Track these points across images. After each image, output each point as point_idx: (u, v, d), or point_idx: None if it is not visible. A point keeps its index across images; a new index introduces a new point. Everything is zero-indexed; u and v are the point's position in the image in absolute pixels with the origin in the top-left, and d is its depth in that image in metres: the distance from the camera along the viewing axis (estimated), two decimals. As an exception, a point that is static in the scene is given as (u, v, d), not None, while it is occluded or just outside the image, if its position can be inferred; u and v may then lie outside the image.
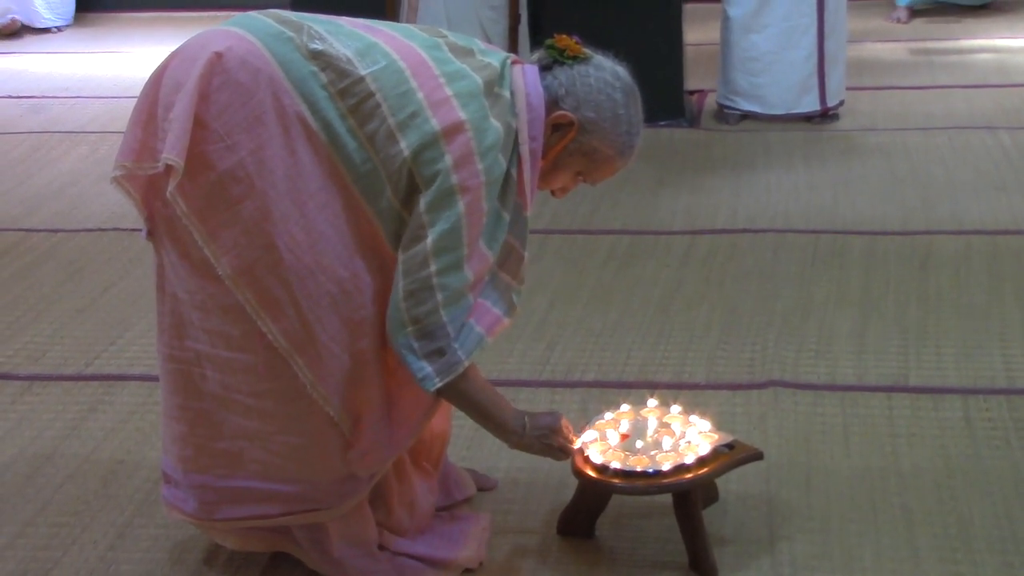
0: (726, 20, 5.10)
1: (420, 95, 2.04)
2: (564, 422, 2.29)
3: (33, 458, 2.81)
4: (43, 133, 5.37)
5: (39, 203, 4.52)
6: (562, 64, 2.15)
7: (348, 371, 2.12)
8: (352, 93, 2.04)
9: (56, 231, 4.21)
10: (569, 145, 2.15)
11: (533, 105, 2.11)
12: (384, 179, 2.05)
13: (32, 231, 4.23)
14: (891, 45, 6.51)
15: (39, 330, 3.47)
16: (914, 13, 7.02)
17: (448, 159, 2.02)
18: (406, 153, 2.02)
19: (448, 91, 2.05)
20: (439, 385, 2.09)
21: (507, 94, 2.10)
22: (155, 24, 7.68)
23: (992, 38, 6.54)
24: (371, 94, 2.04)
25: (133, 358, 3.28)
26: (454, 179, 2.02)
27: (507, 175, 2.10)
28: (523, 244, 2.20)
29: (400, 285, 2.06)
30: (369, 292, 2.11)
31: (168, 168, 2.00)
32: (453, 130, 2.02)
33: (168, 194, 2.02)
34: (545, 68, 2.16)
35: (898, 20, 6.97)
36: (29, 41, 7.34)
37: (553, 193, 2.27)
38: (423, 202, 2.03)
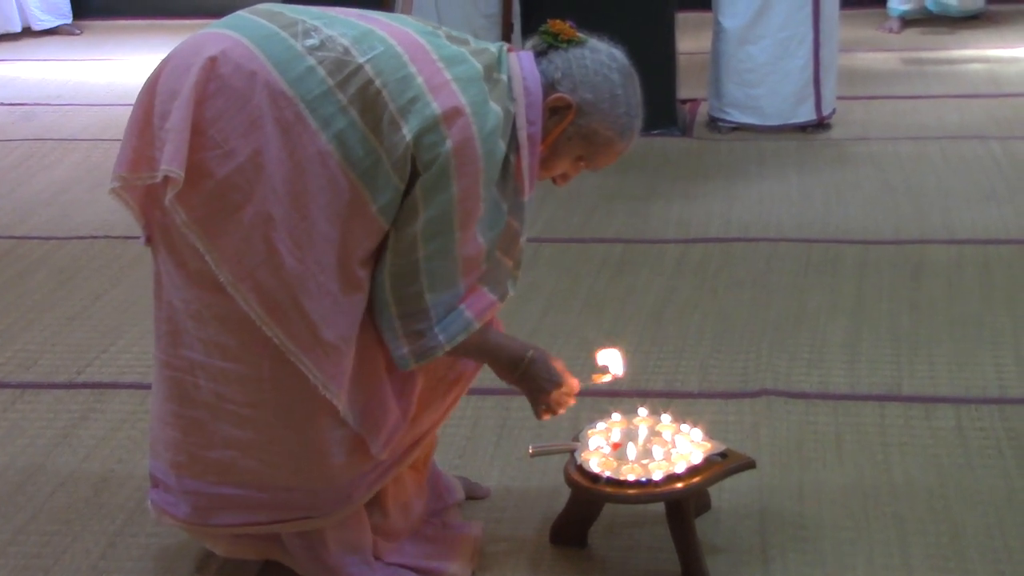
0: (719, 31, 5.09)
1: (420, 79, 2.02)
2: (563, 390, 2.27)
3: (24, 467, 2.80)
4: (35, 140, 5.36)
5: (31, 211, 4.52)
6: (557, 48, 2.15)
7: (355, 366, 2.11)
8: (352, 83, 2.02)
9: (48, 239, 4.21)
10: (568, 128, 2.14)
11: (530, 89, 2.11)
12: (389, 168, 2.03)
13: (24, 239, 4.22)
14: (883, 55, 6.52)
15: (30, 338, 3.46)
16: (906, 23, 7.04)
17: (449, 143, 2.00)
18: (408, 138, 2.00)
19: (447, 75, 2.04)
20: (413, 366, 2.11)
21: (505, 78, 2.09)
22: (148, 32, 7.68)
23: (984, 48, 6.56)
24: (371, 80, 2.02)
25: (125, 366, 3.28)
26: (453, 163, 2.01)
27: (505, 161, 2.09)
28: (521, 223, 2.19)
29: (387, 264, 2.06)
30: (372, 286, 2.10)
31: (166, 178, 1.99)
32: (453, 114, 2.01)
33: (167, 203, 2.01)
34: (540, 53, 2.16)
35: (890, 30, 6.99)
36: (21, 48, 7.33)
37: (555, 181, 2.26)
38: (419, 184, 2.02)
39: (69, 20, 7.66)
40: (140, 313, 3.59)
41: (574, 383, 2.31)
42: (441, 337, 2.10)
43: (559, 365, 2.29)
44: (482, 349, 2.21)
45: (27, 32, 7.53)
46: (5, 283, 3.85)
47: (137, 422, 2.97)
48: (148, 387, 3.10)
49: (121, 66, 6.77)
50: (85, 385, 3.18)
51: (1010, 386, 3.05)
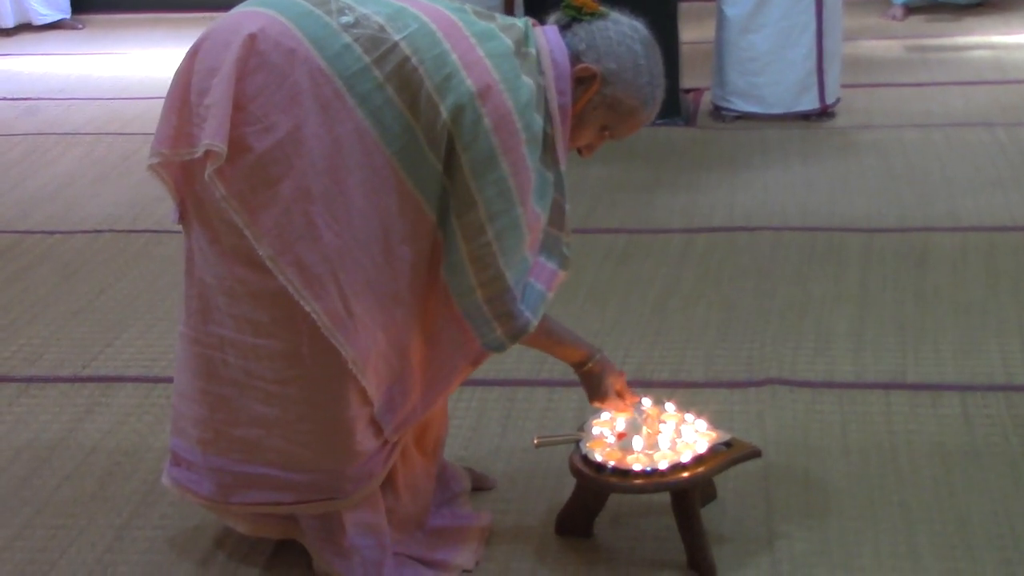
0: (723, 20, 5.09)
1: (454, 56, 2.04)
2: (607, 405, 2.41)
3: (30, 460, 2.81)
4: (39, 135, 5.36)
5: (35, 205, 4.52)
6: (580, 21, 2.18)
7: (381, 344, 2.13)
8: (389, 60, 2.04)
9: (52, 233, 4.21)
10: (593, 98, 2.17)
11: (557, 61, 2.14)
12: (425, 145, 2.05)
13: (28, 233, 4.22)
14: (887, 42, 6.51)
15: (35, 332, 3.46)
16: (910, 10, 7.03)
17: (487, 121, 2.03)
18: (445, 115, 2.03)
19: (480, 52, 2.06)
20: (509, 346, 2.18)
21: (533, 52, 2.12)
22: (151, 25, 7.68)
23: (988, 35, 6.54)
24: (407, 58, 2.03)
25: (130, 360, 3.28)
26: (495, 140, 2.04)
27: (543, 133, 2.12)
28: (563, 195, 2.23)
29: (463, 251, 2.09)
30: (402, 265, 2.12)
31: (205, 153, 2.00)
32: (488, 90, 2.03)
33: (206, 177, 2.02)
34: (564, 27, 2.19)
35: (894, 17, 6.97)
36: (25, 42, 7.33)
37: (580, 152, 2.28)
38: (467, 168, 2.05)
39: (68, 14, 7.66)
40: (145, 306, 3.59)
41: (620, 405, 2.42)
42: (528, 314, 2.16)
43: (618, 384, 2.42)
44: (550, 341, 2.33)
45: (28, 27, 7.52)
46: (9, 278, 3.86)
47: (143, 415, 2.97)
48: (154, 380, 3.13)
49: (124, 60, 6.77)
50: (90, 379, 3.18)
51: (1016, 373, 3.05)
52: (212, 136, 1.99)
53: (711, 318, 3.40)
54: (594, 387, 2.42)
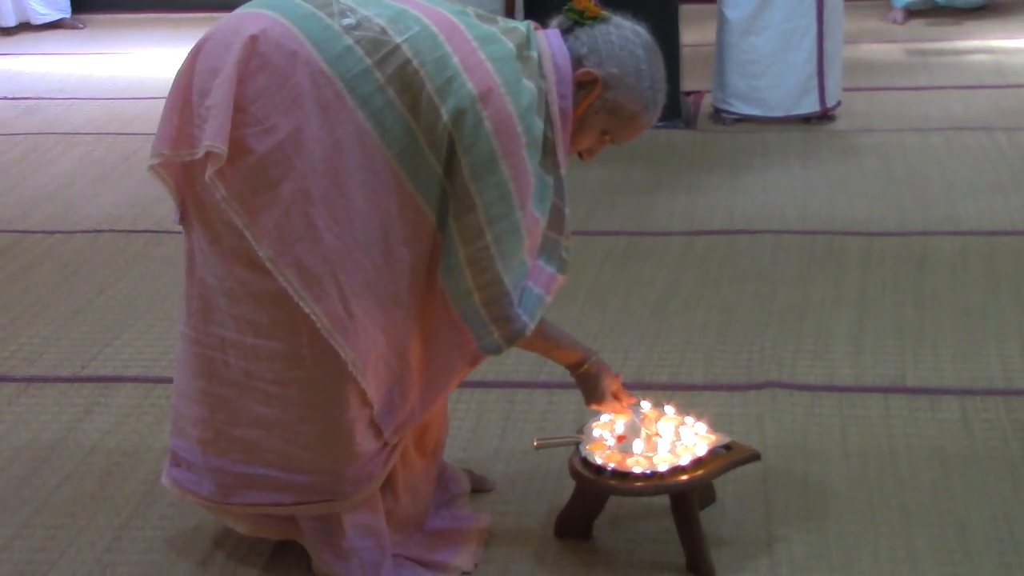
0: (724, 22, 5.09)
1: (455, 59, 2.05)
2: (604, 407, 2.41)
3: (29, 460, 2.81)
4: (39, 134, 5.36)
5: (35, 205, 4.52)
6: (582, 25, 2.18)
7: (381, 346, 2.14)
8: (390, 62, 2.04)
9: (52, 233, 4.21)
10: (595, 102, 2.17)
11: (559, 65, 2.14)
12: (425, 147, 2.06)
13: (28, 233, 4.22)
14: (888, 46, 6.51)
15: (35, 332, 3.46)
16: (910, 14, 7.03)
17: (487, 124, 2.03)
18: (446, 118, 2.03)
19: (482, 55, 2.06)
20: (506, 349, 2.18)
21: (535, 55, 2.12)
22: (152, 25, 7.67)
23: (988, 39, 6.54)
24: (408, 60, 2.04)
25: (129, 360, 3.28)
26: (495, 144, 2.04)
27: (543, 137, 2.12)
28: (563, 199, 2.23)
29: (461, 254, 2.10)
30: (402, 267, 2.12)
31: (206, 154, 2.01)
32: (489, 93, 2.04)
33: (207, 178, 2.02)
34: (566, 31, 2.19)
35: (894, 21, 6.98)
36: (25, 42, 7.33)
37: (580, 156, 2.29)
38: (467, 171, 2.05)
39: (68, 14, 7.66)
40: (145, 306, 3.60)
41: (616, 407, 2.42)
42: (525, 318, 2.17)
43: (614, 386, 2.42)
44: (546, 344, 2.33)
45: (28, 26, 7.52)
46: (10, 277, 3.86)
47: (142, 415, 2.97)
48: (154, 380, 3.13)
49: (124, 60, 6.77)
50: (90, 379, 3.18)
51: (1015, 377, 3.05)
52: (213, 137, 2.00)
53: (711, 321, 3.40)
54: (591, 390, 2.42)
